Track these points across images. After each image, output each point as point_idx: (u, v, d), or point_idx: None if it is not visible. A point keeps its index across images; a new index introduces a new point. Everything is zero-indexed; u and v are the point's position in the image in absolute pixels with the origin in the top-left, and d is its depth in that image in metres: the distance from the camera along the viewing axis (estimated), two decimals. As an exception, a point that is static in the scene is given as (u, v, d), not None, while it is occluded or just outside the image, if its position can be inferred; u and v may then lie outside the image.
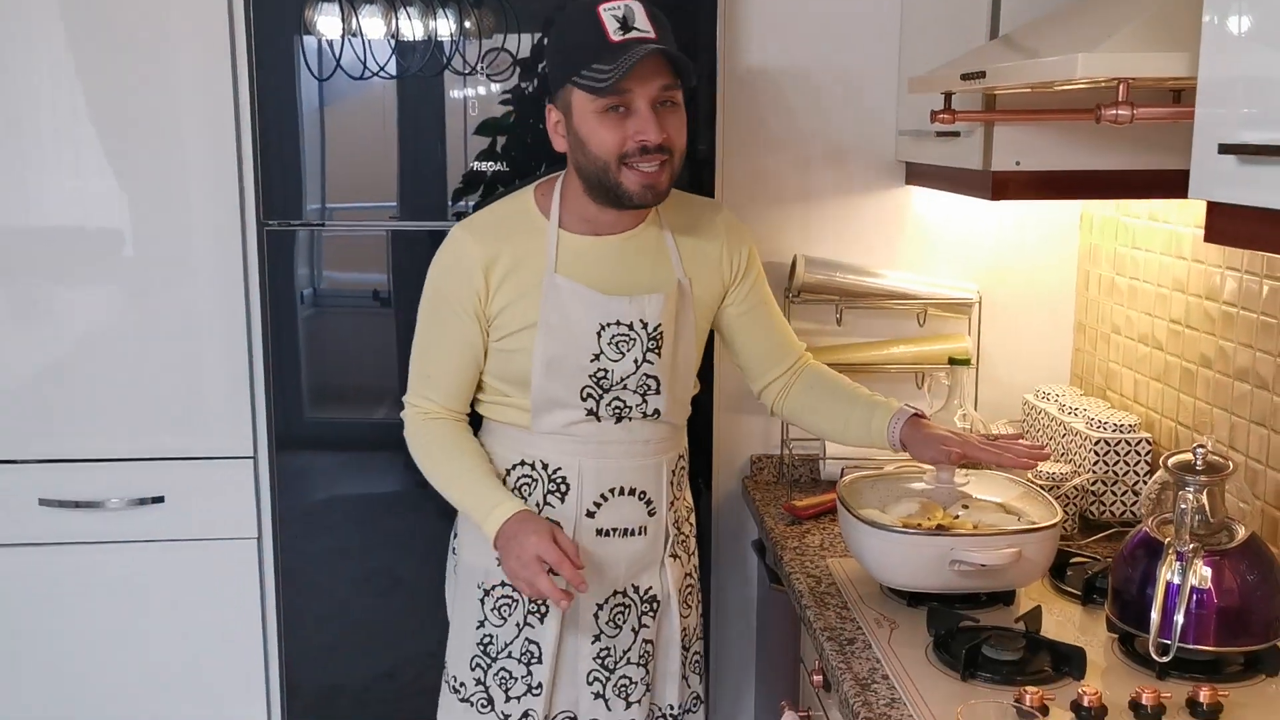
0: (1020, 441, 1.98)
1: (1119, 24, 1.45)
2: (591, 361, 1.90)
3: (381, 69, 2.28)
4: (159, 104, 2.29)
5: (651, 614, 2.02)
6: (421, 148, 2.35)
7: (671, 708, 2.09)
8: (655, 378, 1.93)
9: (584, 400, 1.91)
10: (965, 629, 1.76)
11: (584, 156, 1.82)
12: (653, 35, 1.74)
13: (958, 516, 1.95)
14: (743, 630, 2.75)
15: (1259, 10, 1.21)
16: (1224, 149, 1.19)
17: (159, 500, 2.38)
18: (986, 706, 1.42)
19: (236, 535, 2.42)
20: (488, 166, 2.34)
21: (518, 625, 1.97)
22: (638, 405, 1.93)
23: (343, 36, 2.26)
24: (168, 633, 2.44)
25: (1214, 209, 1.30)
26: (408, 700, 2.45)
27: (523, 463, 1.96)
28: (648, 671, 2.03)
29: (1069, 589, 1.96)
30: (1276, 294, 1.89)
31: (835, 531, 2.23)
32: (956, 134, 2.12)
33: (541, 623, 1.96)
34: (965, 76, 1.66)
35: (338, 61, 2.27)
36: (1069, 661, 1.67)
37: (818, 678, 1.87)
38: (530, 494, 1.95)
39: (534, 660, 1.97)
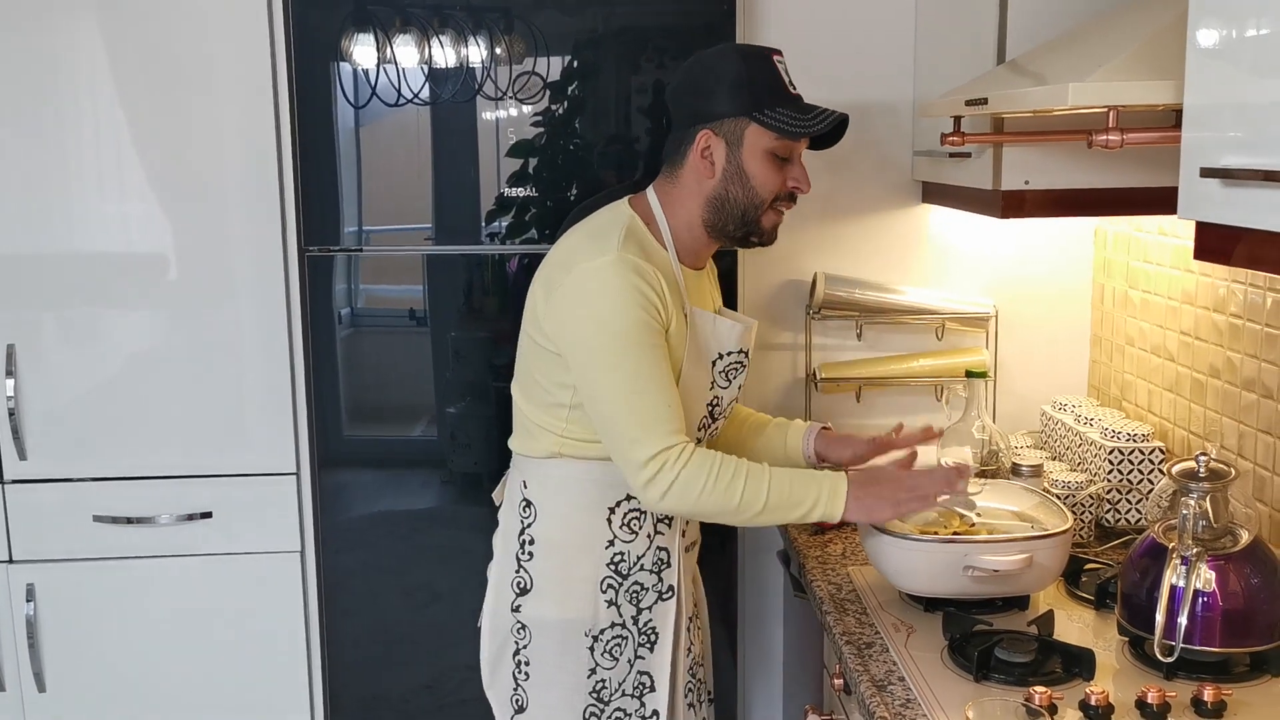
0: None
1: (1113, 52, 1.52)
2: (709, 390, 1.96)
3: (416, 96, 2.36)
4: (201, 132, 2.37)
5: (700, 617, 2.13)
6: (455, 172, 2.43)
7: (710, 691, 2.19)
8: (737, 401, 2.05)
9: (699, 430, 1.97)
10: (979, 632, 1.82)
11: (739, 188, 1.87)
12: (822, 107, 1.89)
13: (973, 525, 2.02)
14: (770, 639, 2.81)
15: (1240, 39, 1.28)
16: (1205, 173, 1.26)
17: (207, 516, 2.46)
18: (994, 703, 1.48)
19: (280, 549, 2.49)
20: (519, 189, 2.41)
21: (629, 661, 1.98)
22: (721, 429, 2.05)
23: (378, 65, 2.33)
24: (215, 643, 2.51)
25: (1202, 228, 1.37)
26: (447, 710, 2.52)
27: (629, 498, 1.92)
28: (708, 670, 2.14)
29: (1083, 594, 2.02)
30: (1280, 306, 1.95)
31: (856, 541, 2.29)
32: (968, 154, 2.19)
33: (652, 652, 1.98)
34: (970, 103, 1.73)
35: (373, 89, 2.35)
36: (1079, 663, 1.72)
37: (839, 681, 1.93)
38: (641, 526, 1.95)
39: (647, 690, 1.99)
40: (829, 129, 1.86)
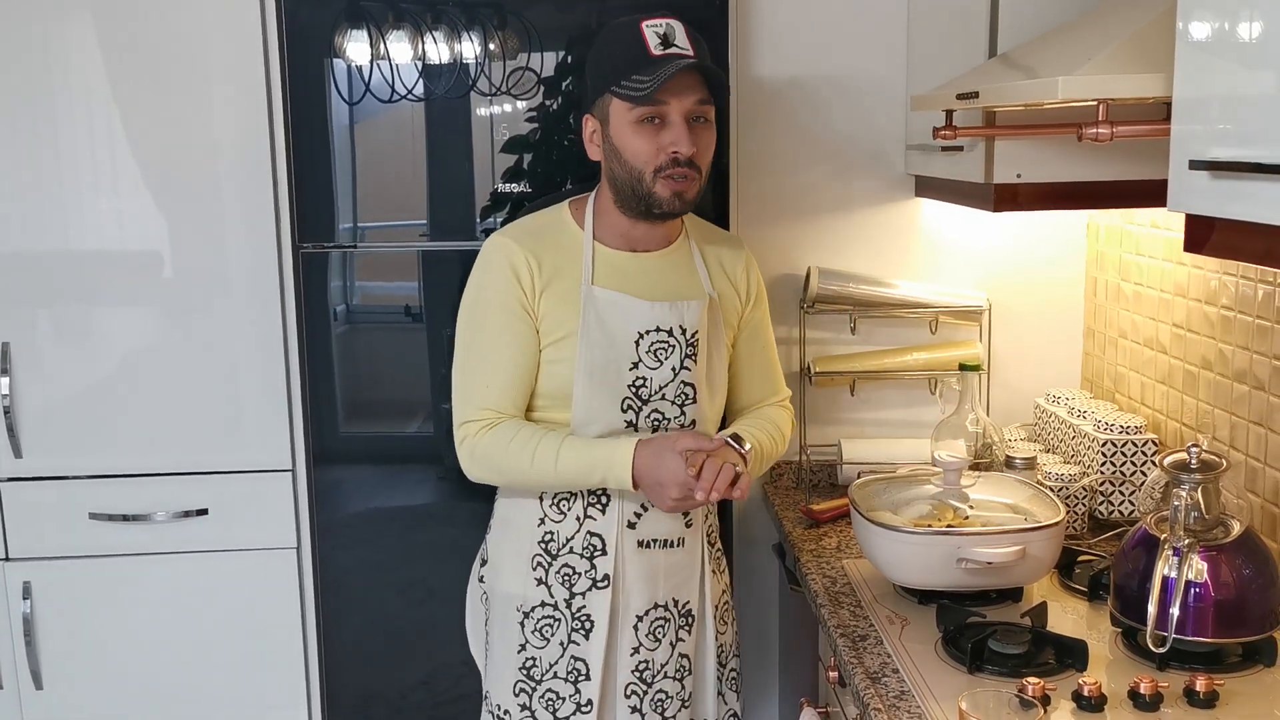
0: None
1: (1103, 45, 1.53)
2: (630, 370, 1.92)
3: (410, 92, 2.35)
4: (195, 129, 2.36)
5: (688, 629, 2.05)
6: (450, 168, 2.42)
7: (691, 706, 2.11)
8: (692, 385, 1.96)
9: (624, 412, 1.93)
10: (973, 624, 1.83)
11: (618, 165, 1.88)
12: (690, 53, 1.82)
13: (967, 518, 2.03)
14: (766, 633, 2.81)
15: (1230, 32, 1.28)
16: (1194, 165, 1.26)
17: (203, 513, 2.46)
18: (987, 695, 1.49)
19: (276, 546, 2.49)
20: (514, 185, 2.40)
21: (561, 644, 1.98)
22: (675, 417, 1.96)
23: (371, 61, 2.32)
24: (211, 640, 2.51)
25: (1192, 220, 1.37)
26: (444, 707, 2.52)
27: None
28: (684, 687, 2.05)
29: (1076, 586, 2.03)
30: (1271, 298, 1.95)
31: (851, 534, 2.30)
32: (960, 148, 2.19)
33: (587, 639, 1.97)
34: (961, 96, 1.73)
35: (367, 86, 2.34)
36: (1072, 654, 1.74)
37: (834, 674, 1.94)
38: (570, 507, 1.96)
39: (581, 678, 1.98)
40: (668, 79, 1.76)
